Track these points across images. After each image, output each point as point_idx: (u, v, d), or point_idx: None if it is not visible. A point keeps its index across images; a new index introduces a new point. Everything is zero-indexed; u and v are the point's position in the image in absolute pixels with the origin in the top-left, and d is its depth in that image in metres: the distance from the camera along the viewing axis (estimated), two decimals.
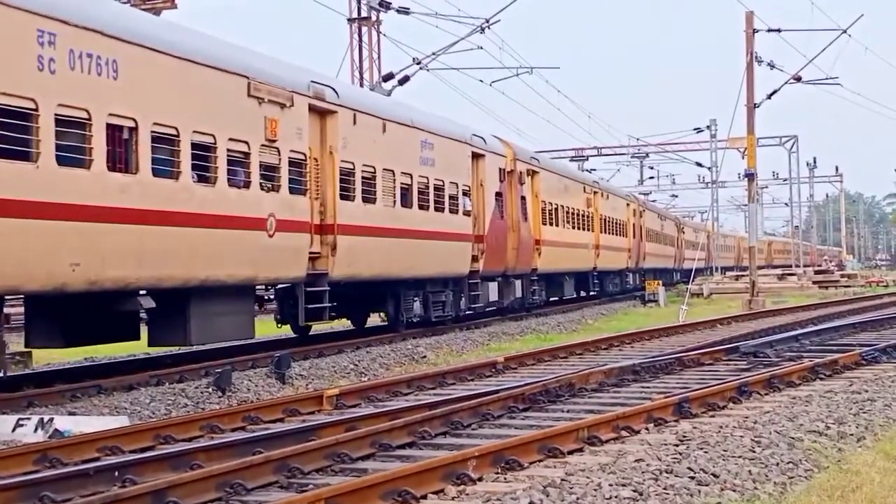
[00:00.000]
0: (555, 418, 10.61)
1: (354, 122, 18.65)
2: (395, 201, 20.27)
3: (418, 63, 29.69)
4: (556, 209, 32.31)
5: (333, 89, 18.22)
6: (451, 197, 23.01)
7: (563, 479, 7.36)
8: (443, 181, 22.56)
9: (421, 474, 7.42)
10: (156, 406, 12.41)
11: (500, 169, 26.51)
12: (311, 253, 17.21)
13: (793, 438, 9.01)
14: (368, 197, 19.21)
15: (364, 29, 31.84)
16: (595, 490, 7.09)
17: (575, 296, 37.14)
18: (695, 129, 63.36)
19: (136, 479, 7.83)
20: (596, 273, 38.58)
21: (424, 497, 7.24)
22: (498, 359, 15.93)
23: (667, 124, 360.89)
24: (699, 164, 69.30)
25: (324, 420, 10.57)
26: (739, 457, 8.22)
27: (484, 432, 10.00)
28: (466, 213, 23.93)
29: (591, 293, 39.48)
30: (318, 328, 22.25)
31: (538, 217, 29.97)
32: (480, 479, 7.72)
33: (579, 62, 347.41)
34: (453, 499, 7.29)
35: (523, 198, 28.37)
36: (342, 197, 18.14)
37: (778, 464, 8.14)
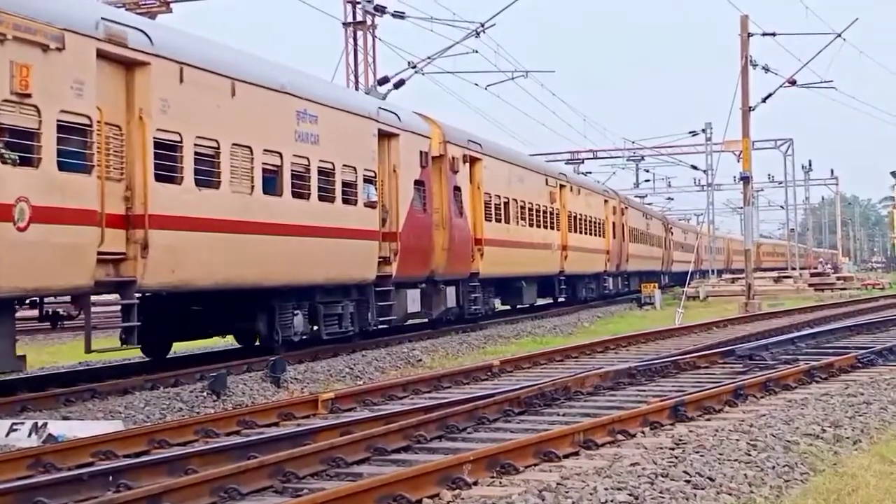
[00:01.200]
0: (550, 422, 10.60)
1: (181, 80, 14.13)
2: (253, 187, 15.71)
3: (413, 67, 29.66)
4: (507, 203, 27.93)
5: (143, 32, 13.68)
6: (346, 184, 18.44)
7: (558, 483, 7.34)
8: (332, 164, 17.88)
9: (416, 478, 7.40)
10: (150, 410, 12.38)
11: (421, 152, 21.98)
12: (104, 253, 12.87)
13: (789, 442, 9.00)
14: (207, 180, 14.72)
15: (359, 33, 31.85)
16: (591, 494, 7.07)
17: (537, 303, 34.11)
18: (690, 133, 63.39)
19: (131, 483, 7.81)
20: (563, 277, 34.33)
21: (420, 501, 7.22)
22: (494, 362, 15.91)
23: (662, 127, 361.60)
24: (695, 168, 69.34)
25: (319, 424, 10.54)
26: (735, 460, 8.21)
27: (479, 436, 9.99)
28: (370, 205, 19.39)
29: (560, 300, 35.65)
30: (185, 348, 19.58)
31: (480, 212, 25.48)
32: (476, 484, 7.69)
33: (574, 66, 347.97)
34: (449, 503, 7.27)
35: (458, 188, 24.02)
36: (159, 178, 13.67)
37: (774, 467, 8.13)
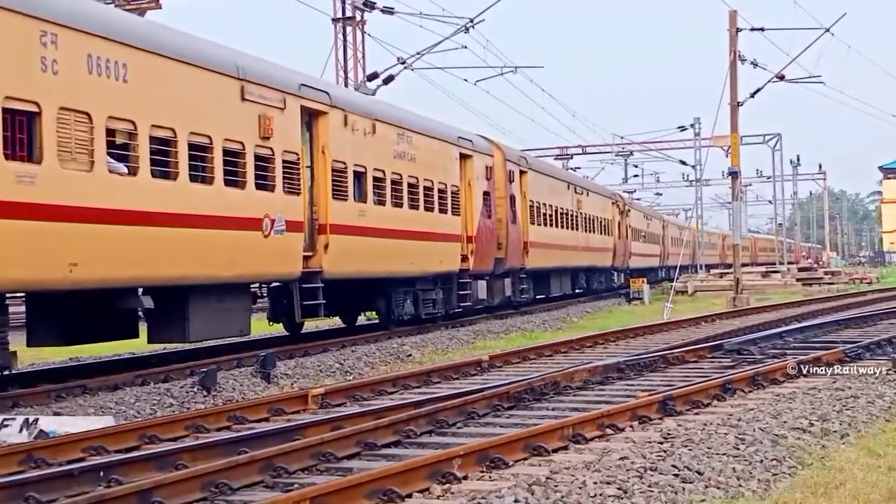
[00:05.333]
0: (540, 416, 10.64)
1: None
2: None
3: (403, 62, 29.69)
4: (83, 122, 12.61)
5: None
6: None
7: (547, 478, 7.39)
8: None
9: (406, 473, 7.43)
10: (141, 406, 12.40)
11: None
12: None
13: (776, 436, 9.06)
14: None
15: (349, 29, 31.84)
16: (580, 488, 7.11)
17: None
18: (679, 128, 63.45)
19: (122, 479, 7.83)
20: (323, 284, 18.06)
21: (410, 496, 7.26)
22: (483, 357, 15.95)
23: (651, 122, 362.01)
24: (683, 163, 69.50)
25: (309, 419, 10.58)
26: (723, 454, 8.26)
27: (469, 431, 10.02)
28: None
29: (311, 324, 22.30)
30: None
31: None
32: (466, 478, 7.74)
33: (563, 61, 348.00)
34: (438, 497, 7.31)
35: None
36: None
37: (762, 461, 8.18)
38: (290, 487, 7.65)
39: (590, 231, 40.01)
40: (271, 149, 16.58)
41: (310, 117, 18.15)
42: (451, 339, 21.55)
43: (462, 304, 25.43)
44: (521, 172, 30.05)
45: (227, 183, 15.51)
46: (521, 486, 7.15)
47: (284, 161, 16.96)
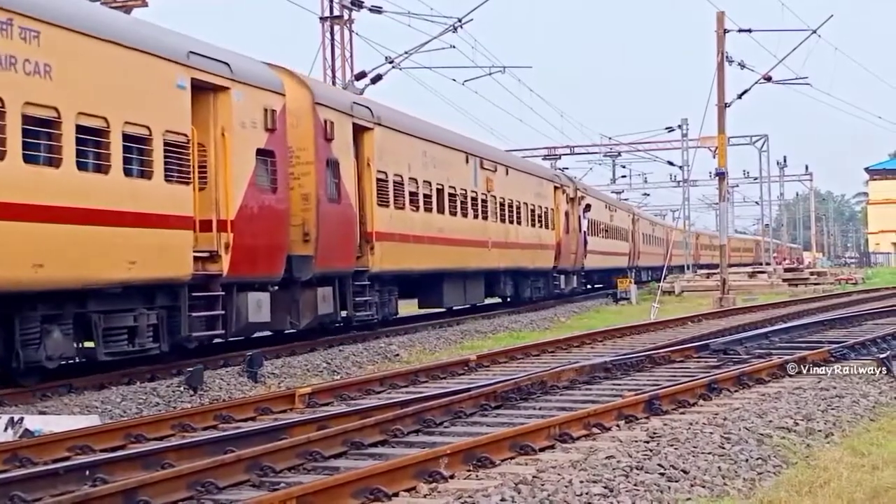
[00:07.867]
0: (527, 416, 10.65)
1: None
2: None
3: (391, 62, 29.70)
4: None
5: None
6: None
7: (534, 477, 7.40)
8: None
9: (393, 472, 7.43)
10: (127, 405, 12.37)
11: None
12: None
13: (762, 435, 9.09)
14: None
15: (336, 28, 31.82)
16: (566, 487, 7.13)
17: None
18: (666, 129, 63.53)
19: (107, 478, 7.81)
20: None
21: (396, 495, 7.26)
22: (470, 357, 15.96)
23: (639, 123, 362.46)
24: (671, 163, 69.70)
25: (296, 419, 10.57)
26: (709, 453, 8.28)
27: (456, 430, 10.02)
28: None
29: None
30: None
31: None
32: (452, 477, 7.74)
33: (551, 61, 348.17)
34: (425, 496, 7.31)
35: None
36: None
37: (747, 460, 8.21)
38: (277, 486, 7.64)
39: (512, 221, 30.70)
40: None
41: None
42: (438, 339, 21.56)
43: (208, 333, 15.69)
44: (361, 128, 20.48)
45: None
46: (508, 484, 7.16)
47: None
